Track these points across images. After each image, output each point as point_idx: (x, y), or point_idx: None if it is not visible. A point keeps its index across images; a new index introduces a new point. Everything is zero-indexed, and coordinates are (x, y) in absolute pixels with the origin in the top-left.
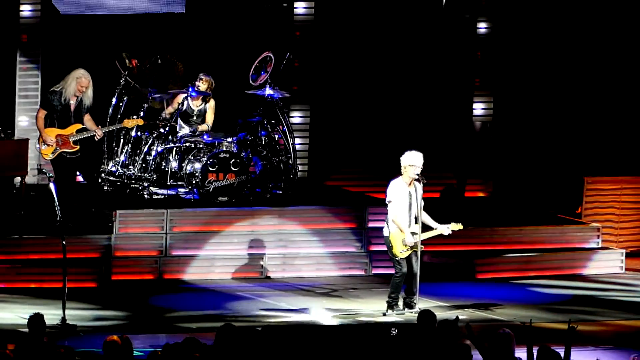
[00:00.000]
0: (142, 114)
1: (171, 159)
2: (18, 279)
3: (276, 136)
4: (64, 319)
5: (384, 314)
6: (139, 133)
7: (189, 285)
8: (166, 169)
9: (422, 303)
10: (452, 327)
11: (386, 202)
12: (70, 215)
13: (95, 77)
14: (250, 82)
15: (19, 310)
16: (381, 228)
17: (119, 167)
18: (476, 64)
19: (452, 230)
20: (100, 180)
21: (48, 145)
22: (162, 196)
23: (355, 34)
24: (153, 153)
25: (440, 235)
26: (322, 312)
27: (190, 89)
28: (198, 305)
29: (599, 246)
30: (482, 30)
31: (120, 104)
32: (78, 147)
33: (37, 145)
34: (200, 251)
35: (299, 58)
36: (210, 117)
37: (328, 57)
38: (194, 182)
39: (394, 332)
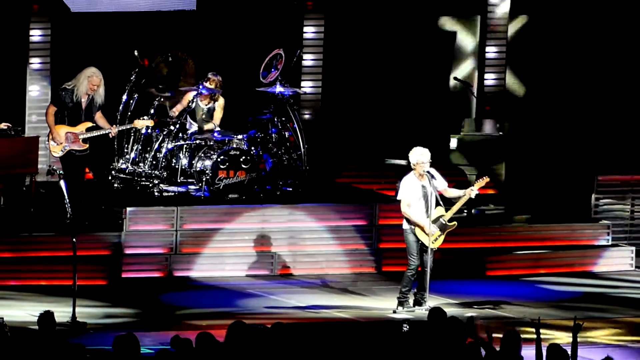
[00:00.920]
0: (152, 111)
1: (181, 157)
2: (28, 276)
3: (286, 133)
4: (74, 316)
5: (394, 312)
6: (149, 130)
7: (199, 282)
8: (176, 166)
9: (432, 300)
10: (465, 326)
11: (397, 199)
12: (81, 213)
13: (105, 75)
14: (261, 79)
15: (29, 307)
16: (391, 225)
17: (129, 165)
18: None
19: (479, 189)
20: (110, 178)
21: (57, 142)
22: (173, 193)
23: (366, 30)
24: (163, 150)
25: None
26: (332, 309)
27: (200, 87)
28: (208, 303)
29: (609, 243)
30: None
31: (131, 102)
32: (87, 145)
33: (47, 142)
34: (210, 248)
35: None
36: (218, 116)
37: (339, 53)
38: (204, 179)
39: (405, 328)
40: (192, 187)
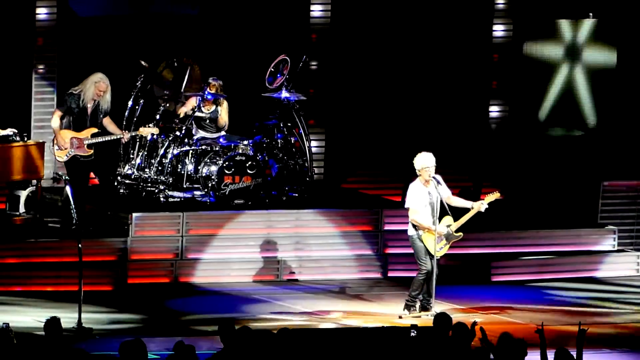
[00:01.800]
0: (157, 117)
1: (187, 162)
2: (34, 282)
3: (292, 139)
4: (79, 322)
5: (400, 317)
6: (155, 136)
7: (204, 288)
8: (182, 172)
9: (438, 306)
10: (468, 331)
11: (405, 207)
12: (86, 218)
13: (111, 80)
14: (267, 85)
15: (35, 313)
16: (397, 231)
17: (135, 170)
18: (492, 67)
19: (489, 204)
20: (116, 183)
21: (62, 147)
22: (178, 199)
23: (371, 37)
24: (169, 156)
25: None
26: (338, 315)
27: (205, 93)
28: (214, 308)
29: (615, 249)
30: (499, 34)
31: (137, 107)
32: (92, 151)
33: (52, 147)
34: (216, 254)
35: (315, 61)
36: (225, 118)
37: (344, 59)
38: (210, 185)
39: (413, 334)
40: (198, 192)
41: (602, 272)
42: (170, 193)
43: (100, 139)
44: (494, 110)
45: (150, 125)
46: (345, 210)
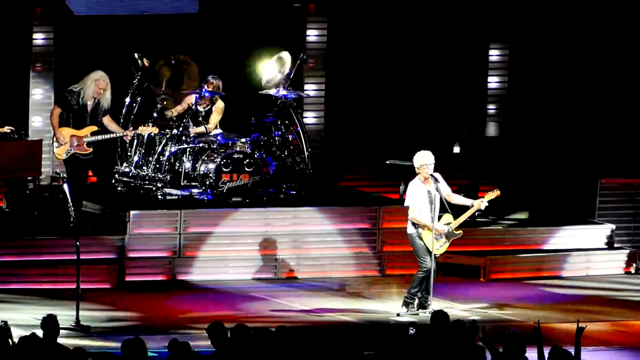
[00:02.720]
0: (155, 115)
1: (185, 160)
2: (32, 279)
3: (290, 136)
4: (77, 319)
5: (398, 315)
6: (152, 134)
7: (202, 285)
8: (180, 170)
9: (436, 303)
10: (467, 330)
11: (405, 205)
12: (84, 216)
13: (109, 78)
14: (264, 82)
15: (33, 311)
16: (395, 229)
17: (132, 168)
18: (489, 66)
19: (489, 201)
20: (113, 181)
21: (61, 142)
22: (176, 197)
23: (369, 34)
24: (167, 154)
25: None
26: (335, 313)
27: (203, 90)
28: (212, 306)
29: (613, 246)
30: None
31: (134, 105)
32: (91, 149)
33: (51, 145)
34: (213, 252)
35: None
36: (213, 118)
37: (342, 57)
38: (207, 182)
39: (412, 332)
40: (196, 190)
41: (599, 269)
42: (167, 191)
43: (100, 137)
44: (491, 108)
45: (149, 124)
46: (343, 207)
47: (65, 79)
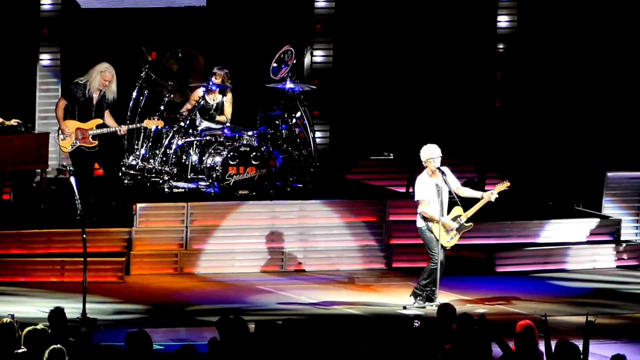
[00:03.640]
0: (162, 107)
1: (192, 153)
2: (38, 272)
3: (297, 130)
4: (84, 312)
5: (405, 307)
6: (159, 127)
7: (209, 279)
8: (187, 163)
9: (442, 296)
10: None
11: (415, 200)
12: (91, 209)
13: (115, 71)
14: (271, 75)
15: (40, 304)
16: (401, 222)
17: (139, 161)
18: (497, 58)
19: (498, 193)
20: (120, 174)
21: (66, 134)
22: (183, 190)
23: (375, 26)
24: (174, 147)
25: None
26: (342, 305)
27: (210, 83)
28: (218, 299)
29: (620, 239)
30: (503, 25)
31: (141, 98)
32: (96, 142)
33: (56, 138)
34: (220, 245)
35: (320, 51)
36: (228, 110)
37: (349, 51)
38: (214, 175)
39: (416, 324)
40: (203, 183)
41: (606, 262)
42: (174, 184)
43: (105, 131)
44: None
45: (155, 117)
46: (350, 200)
47: (72, 71)
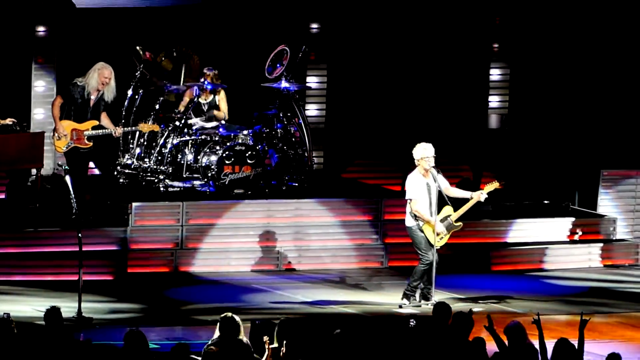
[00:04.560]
0: (157, 107)
1: (187, 152)
2: (34, 271)
3: (292, 129)
4: (79, 311)
5: (400, 306)
6: (154, 130)
7: (204, 277)
8: (182, 162)
9: (438, 295)
10: (466, 320)
11: (406, 198)
12: (86, 208)
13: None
14: (266, 75)
15: (35, 303)
16: (397, 221)
17: (134, 160)
18: (492, 57)
19: (488, 193)
20: (115, 173)
21: (61, 135)
22: (178, 189)
23: (370, 26)
24: (169, 146)
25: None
26: (338, 305)
27: (205, 82)
28: (214, 298)
29: (615, 238)
30: (498, 22)
31: (136, 97)
32: (91, 143)
33: (52, 137)
34: (216, 244)
35: (315, 51)
36: (223, 107)
37: (343, 49)
38: (209, 174)
39: (412, 324)
40: (198, 182)
41: (601, 261)
42: (170, 183)
43: (100, 132)
44: (494, 100)
45: (149, 121)
46: (345, 199)
47: (67, 71)
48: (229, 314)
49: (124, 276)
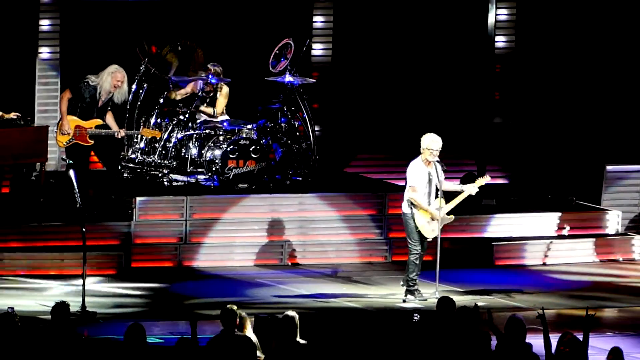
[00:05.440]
0: (161, 101)
1: (191, 146)
2: (38, 266)
3: (296, 123)
4: (83, 306)
5: (404, 300)
6: (158, 120)
7: (208, 272)
8: (186, 156)
9: (441, 289)
10: (471, 314)
11: (407, 185)
12: (90, 202)
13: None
14: (270, 68)
15: (40, 297)
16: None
17: (138, 154)
18: (496, 52)
19: (479, 187)
20: (120, 168)
21: (64, 132)
22: (182, 183)
23: (376, 19)
24: (173, 140)
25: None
26: (341, 299)
27: (209, 76)
28: (218, 293)
29: (619, 232)
30: (502, 18)
31: (140, 92)
32: (93, 142)
33: (55, 131)
34: (220, 238)
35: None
36: (220, 103)
37: (347, 44)
38: (213, 169)
39: (416, 318)
40: (202, 176)
41: (606, 255)
42: (174, 177)
43: (103, 132)
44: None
45: (152, 127)
46: (349, 194)
47: (71, 65)
48: (229, 306)
49: (128, 271)
